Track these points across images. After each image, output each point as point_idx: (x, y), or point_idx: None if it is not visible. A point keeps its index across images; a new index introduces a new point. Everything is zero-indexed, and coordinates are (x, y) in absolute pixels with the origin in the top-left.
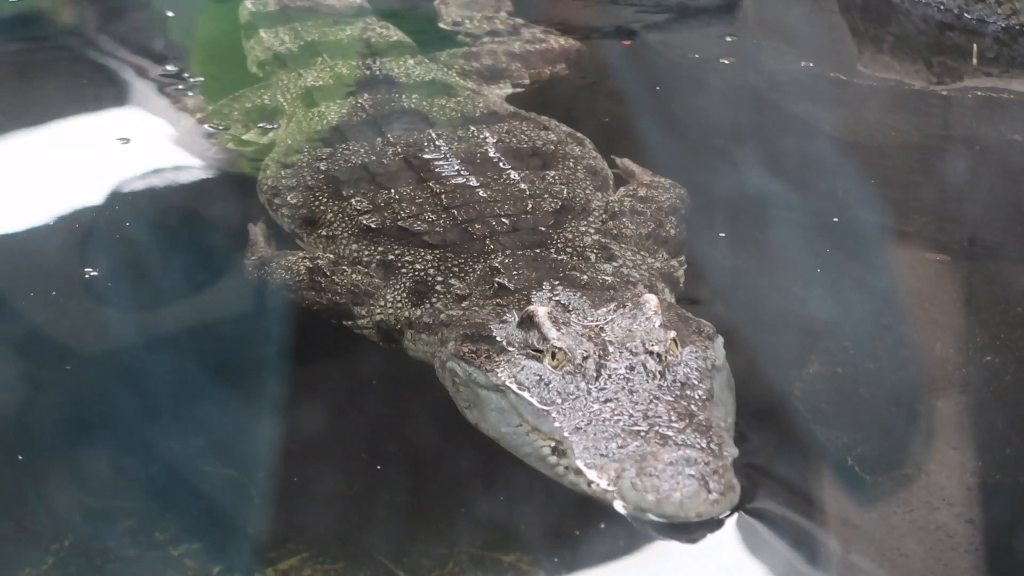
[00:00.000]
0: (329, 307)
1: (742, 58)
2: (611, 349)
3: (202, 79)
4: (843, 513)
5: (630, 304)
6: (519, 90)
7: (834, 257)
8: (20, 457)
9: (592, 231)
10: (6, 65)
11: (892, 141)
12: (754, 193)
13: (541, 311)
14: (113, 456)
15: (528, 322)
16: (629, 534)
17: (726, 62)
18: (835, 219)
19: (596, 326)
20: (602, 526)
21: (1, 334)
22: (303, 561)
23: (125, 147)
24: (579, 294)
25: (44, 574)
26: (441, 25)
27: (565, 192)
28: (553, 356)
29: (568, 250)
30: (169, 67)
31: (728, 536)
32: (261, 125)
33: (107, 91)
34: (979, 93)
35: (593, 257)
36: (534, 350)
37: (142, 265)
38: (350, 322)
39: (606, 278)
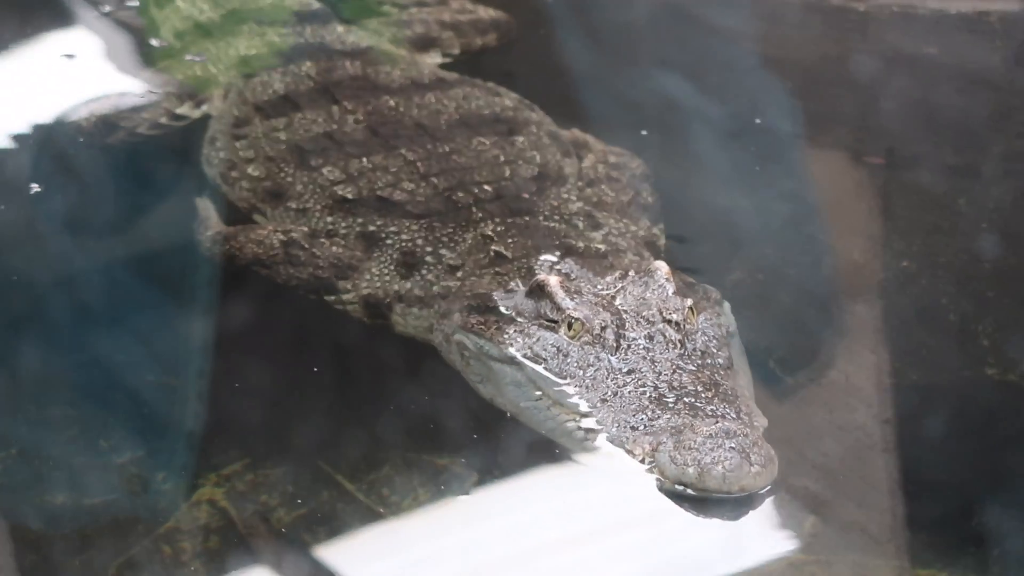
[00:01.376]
0: (310, 282)
1: None
2: (627, 318)
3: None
4: (765, 415)
5: (639, 272)
6: (448, 60)
7: (756, 167)
8: None
9: (574, 198)
10: None
11: (813, 55)
12: (679, 105)
13: (553, 280)
14: (57, 367)
15: (538, 292)
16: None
17: None
18: (757, 129)
19: (608, 295)
20: (527, 435)
21: None
22: (245, 467)
23: (70, 62)
24: (579, 262)
25: None
26: None
27: (538, 158)
28: (570, 326)
29: (556, 218)
30: None
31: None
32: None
33: (53, 14)
34: (895, 9)
35: (581, 225)
36: (548, 320)
37: (86, 182)
38: (332, 297)
39: (599, 246)
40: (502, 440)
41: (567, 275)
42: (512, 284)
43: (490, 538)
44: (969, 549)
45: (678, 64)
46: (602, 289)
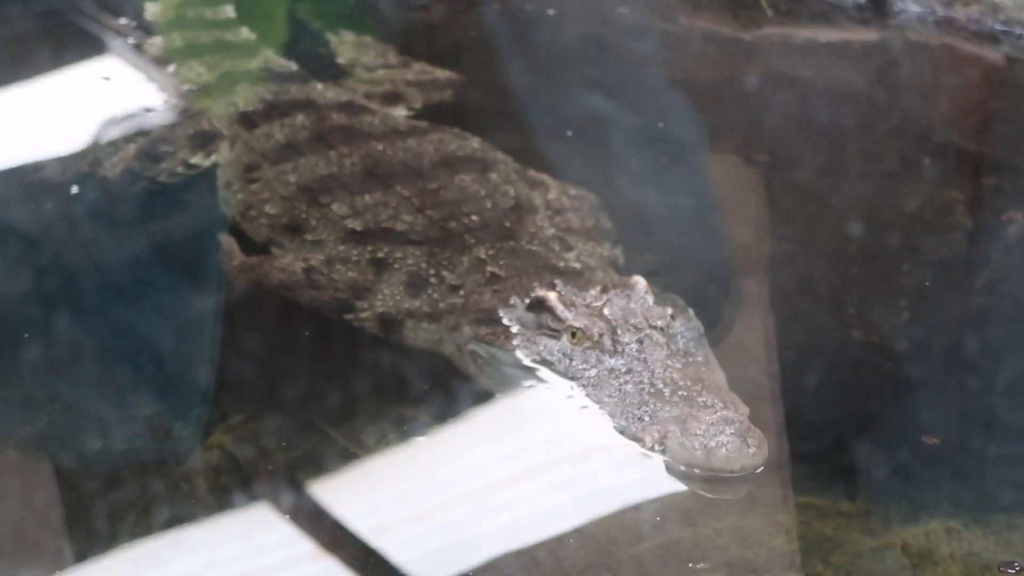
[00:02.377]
0: (331, 303)
1: (583, 10)
2: (618, 326)
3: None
4: None
5: (619, 286)
6: (411, 113)
7: (663, 167)
8: (25, 335)
9: (548, 225)
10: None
11: (710, 76)
12: (601, 118)
13: (551, 295)
14: (94, 338)
15: (538, 306)
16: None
17: (557, 13)
18: (665, 137)
19: (596, 306)
20: (478, 388)
21: (7, 237)
22: (248, 417)
23: (107, 84)
24: (562, 280)
25: (41, 430)
26: (339, 61)
27: (511, 191)
28: (572, 335)
29: (535, 242)
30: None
31: (569, 400)
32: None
33: (88, 43)
34: (775, 39)
35: (557, 248)
36: (551, 330)
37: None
38: (351, 315)
39: (575, 265)
40: (457, 393)
41: (560, 291)
42: (512, 299)
43: (450, 475)
44: (840, 479)
45: (600, 85)
46: (591, 301)
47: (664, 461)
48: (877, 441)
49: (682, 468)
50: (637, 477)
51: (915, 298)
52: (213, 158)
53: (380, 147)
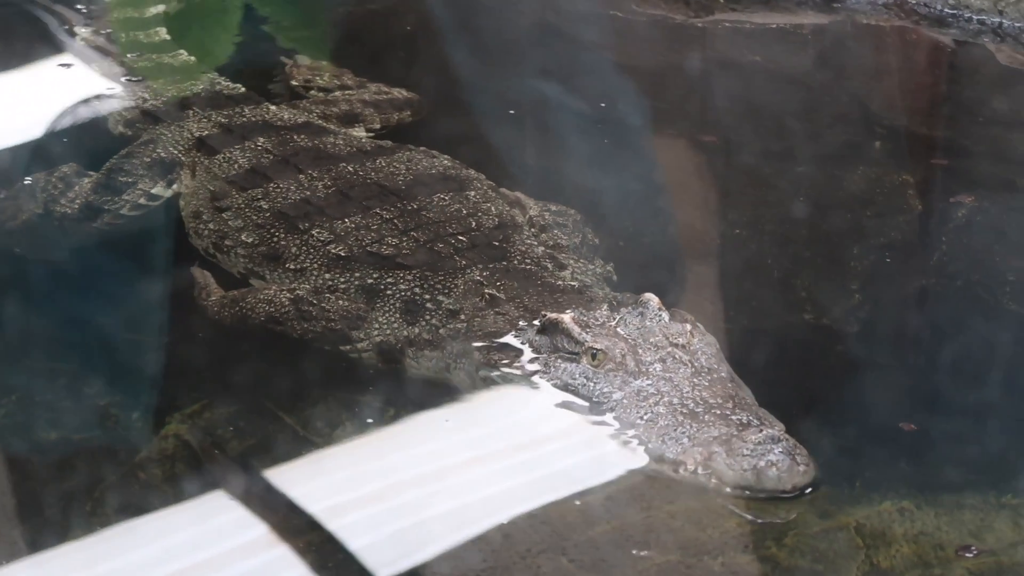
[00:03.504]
0: (324, 334)
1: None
2: (637, 345)
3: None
4: None
5: (631, 304)
6: (371, 135)
7: (616, 153)
8: None
9: (536, 243)
10: None
11: (660, 62)
12: (553, 103)
13: (566, 317)
14: (49, 330)
15: (552, 328)
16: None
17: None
18: (615, 122)
19: (610, 326)
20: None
21: None
22: (203, 406)
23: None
24: (563, 299)
25: None
26: (293, 83)
27: (493, 209)
28: (593, 356)
29: (528, 261)
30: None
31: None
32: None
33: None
34: (727, 24)
35: (550, 266)
36: (569, 353)
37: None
38: (347, 347)
39: (572, 283)
40: (411, 381)
41: (573, 312)
42: (519, 322)
43: (404, 460)
44: None
45: (551, 71)
46: (604, 321)
47: (706, 483)
48: (829, 423)
49: (728, 490)
50: (591, 461)
51: (866, 280)
52: (175, 187)
53: (350, 168)
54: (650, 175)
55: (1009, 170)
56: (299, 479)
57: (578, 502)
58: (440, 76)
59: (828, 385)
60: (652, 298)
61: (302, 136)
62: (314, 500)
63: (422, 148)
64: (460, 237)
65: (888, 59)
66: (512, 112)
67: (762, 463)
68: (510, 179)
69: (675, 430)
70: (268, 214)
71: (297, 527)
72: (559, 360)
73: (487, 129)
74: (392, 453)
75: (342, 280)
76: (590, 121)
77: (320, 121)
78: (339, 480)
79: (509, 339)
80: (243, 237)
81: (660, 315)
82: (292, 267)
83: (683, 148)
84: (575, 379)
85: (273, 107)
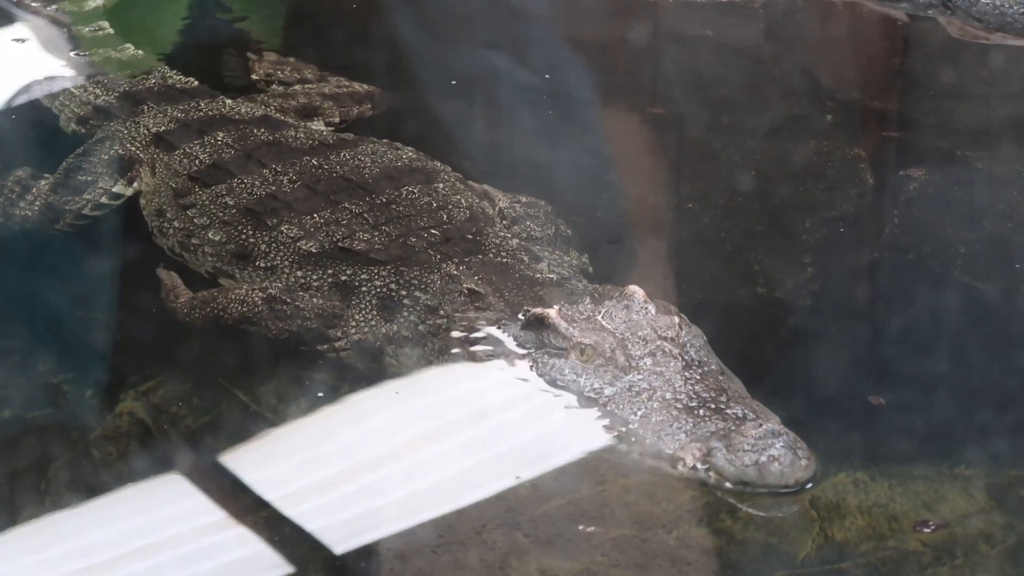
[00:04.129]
0: (301, 333)
1: None
2: (625, 339)
3: None
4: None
5: (610, 297)
6: (330, 128)
7: (565, 127)
8: None
9: (509, 236)
10: None
11: (610, 35)
12: (501, 76)
13: (552, 312)
14: (2, 306)
15: (537, 323)
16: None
17: None
18: (566, 96)
19: (597, 320)
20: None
21: None
22: (158, 383)
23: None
24: (543, 292)
25: None
26: (254, 77)
27: (463, 202)
28: (582, 352)
29: (503, 254)
30: None
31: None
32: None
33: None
34: None
35: (526, 259)
36: (555, 348)
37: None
38: (325, 346)
39: (551, 276)
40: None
41: (559, 307)
42: (501, 317)
43: (358, 439)
44: None
45: (500, 44)
46: (589, 315)
47: (706, 479)
48: (781, 395)
49: (728, 485)
50: (544, 437)
51: (818, 253)
52: (136, 185)
53: (314, 162)
54: (600, 148)
55: (959, 143)
56: (253, 456)
57: (532, 478)
58: (387, 51)
59: (780, 358)
60: (637, 290)
61: (262, 130)
62: (268, 478)
63: (385, 140)
64: (432, 231)
65: (839, 32)
66: (454, 83)
67: (763, 458)
68: (458, 154)
69: (671, 425)
70: (234, 211)
71: (251, 505)
72: (546, 356)
73: (434, 103)
74: (345, 428)
75: (315, 277)
76: (539, 94)
77: (278, 115)
78: (293, 457)
79: (492, 335)
80: (210, 235)
81: (647, 308)
82: (262, 265)
83: (633, 122)
84: (564, 375)
85: (229, 101)
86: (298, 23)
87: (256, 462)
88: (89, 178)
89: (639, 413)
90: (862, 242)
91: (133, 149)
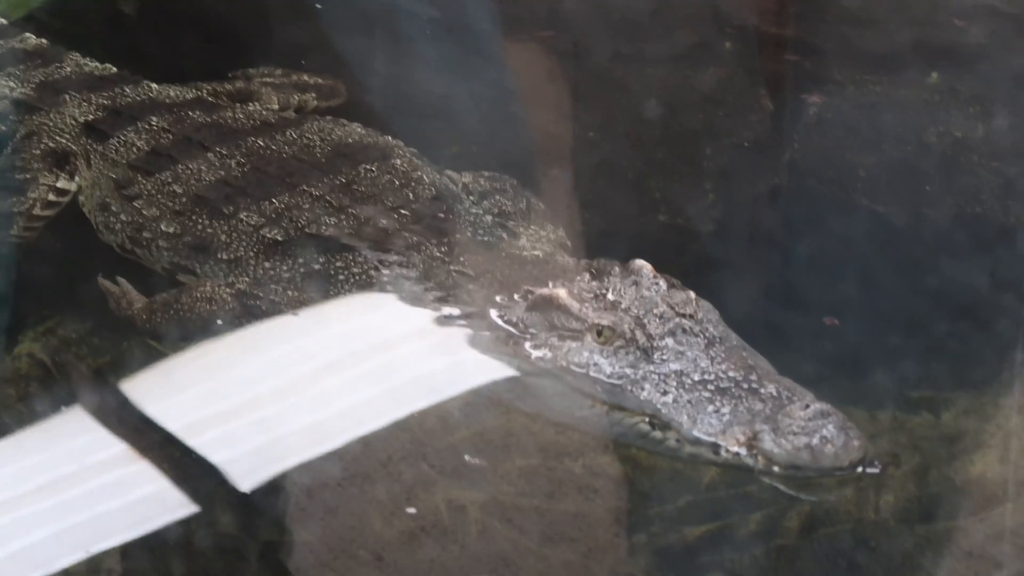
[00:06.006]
0: None
1: None
2: (640, 318)
3: None
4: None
5: (607, 273)
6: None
7: (467, 60)
8: None
9: (482, 212)
10: None
11: None
12: (401, 10)
13: (562, 293)
14: None
15: (544, 305)
16: None
17: None
18: (466, 29)
19: (608, 298)
20: None
21: None
22: (57, 324)
23: None
24: (536, 270)
25: None
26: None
27: (425, 178)
28: (599, 333)
29: (480, 232)
30: None
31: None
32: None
33: None
34: None
35: (505, 236)
36: (568, 331)
37: None
38: None
39: (536, 253)
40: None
41: (567, 286)
42: (499, 299)
43: (260, 371)
44: None
45: None
46: (597, 293)
47: (753, 465)
48: None
49: (775, 470)
50: (449, 368)
51: (719, 180)
52: (77, 179)
53: (260, 143)
54: (499, 79)
55: (858, 67)
56: (154, 393)
57: (438, 409)
58: None
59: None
60: (645, 265)
61: (197, 112)
62: (170, 414)
63: (328, 116)
64: (401, 211)
65: None
66: (319, 6)
67: (815, 440)
68: (359, 88)
69: (706, 408)
70: (184, 199)
71: (154, 442)
72: (558, 339)
73: (331, 37)
74: (246, 360)
75: (284, 269)
76: (441, 28)
77: (210, 99)
78: (195, 392)
79: (491, 319)
80: (162, 227)
81: (657, 283)
82: (225, 257)
83: (532, 51)
84: (581, 359)
85: (155, 85)
86: None
87: (157, 398)
88: (27, 175)
89: (669, 397)
90: (763, 168)
91: (64, 141)
